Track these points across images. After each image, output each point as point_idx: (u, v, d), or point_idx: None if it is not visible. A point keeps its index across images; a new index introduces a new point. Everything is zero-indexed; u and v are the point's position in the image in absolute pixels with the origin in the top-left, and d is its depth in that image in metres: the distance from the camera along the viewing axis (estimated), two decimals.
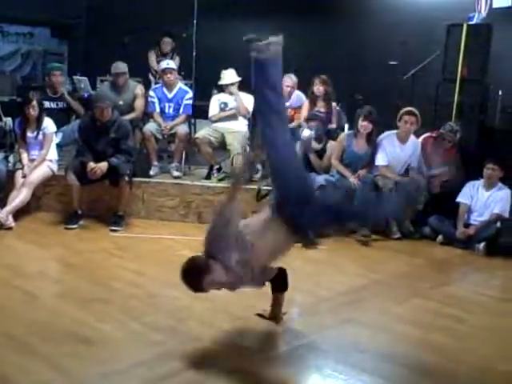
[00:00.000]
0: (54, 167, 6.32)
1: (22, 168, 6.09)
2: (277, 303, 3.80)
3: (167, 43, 8.13)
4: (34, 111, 6.07)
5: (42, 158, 6.19)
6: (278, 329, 3.81)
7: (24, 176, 6.03)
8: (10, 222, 5.81)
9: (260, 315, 3.87)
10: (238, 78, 6.93)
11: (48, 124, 6.24)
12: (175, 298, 4.19)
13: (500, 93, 7.06)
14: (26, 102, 6.08)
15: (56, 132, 6.42)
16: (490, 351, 3.65)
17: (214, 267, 3.20)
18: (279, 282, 3.70)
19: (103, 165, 5.90)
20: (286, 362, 3.40)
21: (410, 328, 3.91)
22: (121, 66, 7.09)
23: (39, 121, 6.16)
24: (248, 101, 6.97)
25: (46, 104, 6.73)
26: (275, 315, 3.82)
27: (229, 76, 6.93)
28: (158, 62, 8.01)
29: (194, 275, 3.23)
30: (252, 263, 3.24)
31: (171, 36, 8.13)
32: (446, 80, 6.81)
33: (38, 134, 6.19)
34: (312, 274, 4.99)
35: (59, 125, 6.63)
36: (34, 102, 6.08)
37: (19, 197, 5.92)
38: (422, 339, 3.76)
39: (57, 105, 7.00)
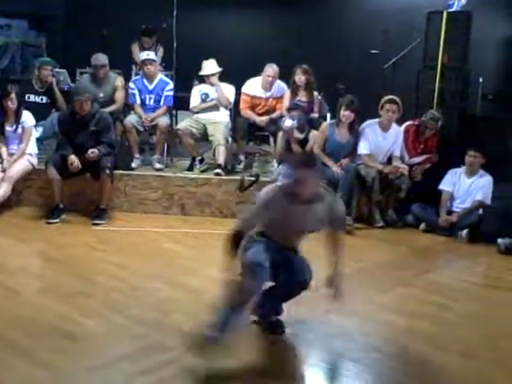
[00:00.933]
0: (34, 161, 6.25)
1: (1, 162, 6.02)
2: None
3: (146, 42, 8.06)
4: (12, 104, 6.00)
5: (22, 152, 6.11)
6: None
7: (3, 170, 5.97)
8: None
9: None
10: (219, 69, 6.89)
11: (27, 117, 6.16)
12: (159, 290, 4.18)
13: (480, 80, 7.10)
14: (4, 95, 6.00)
15: (36, 126, 6.35)
16: (475, 338, 3.68)
17: None
18: None
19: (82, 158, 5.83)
20: (270, 352, 3.40)
21: (394, 316, 3.93)
22: (101, 58, 7.01)
23: (18, 114, 6.08)
24: (229, 91, 6.95)
25: (32, 98, 6.66)
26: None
27: (209, 66, 6.89)
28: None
29: None
30: None
31: (150, 34, 8.05)
32: (427, 67, 6.84)
33: (16, 127, 6.11)
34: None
35: (42, 118, 6.57)
36: (13, 95, 6.00)
37: None
38: (407, 327, 3.78)
39: (41, 99, 6.93)
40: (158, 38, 8.09)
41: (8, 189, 5.93)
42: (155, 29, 8.07)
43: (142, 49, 8.00)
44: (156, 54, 7.67)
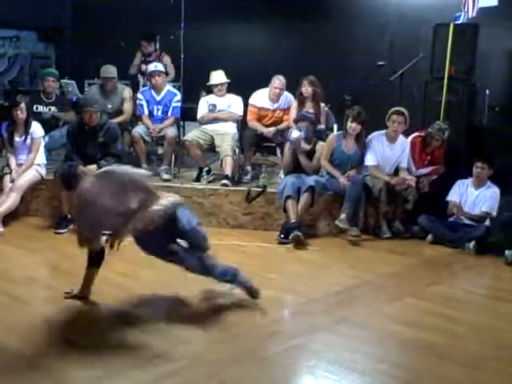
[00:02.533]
0: (43, 171, 6.30)
1: (10, 172, 6.07)
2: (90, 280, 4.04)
3: (145, 46, 8.14)
4: (21, 114, 6.06)
5: (30, 163, 6.16)
6: (269, 329, 3.81)
7: (12, 180, 6.01)
8: None
9: (69, 295, 4.08)
10: (227, 80, 6.93)
11: (36, 128, 6.22)
12: (166, 300, 4.19)
13: (487, 92, 7.10)
14: (14, 105, 6.06)
15: (44, 136, 6.40)
16: (481, 349, 3.67)
17: None
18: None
19: (92, 167, 5.87)
20: (277, 363, 3.40)
21: (401, 327, 3.92)
22: (111, 71, 7.09)
23: (27, 125, 6.15)
24: (238, 103, 6.99)
25: (40, 108, 6.72)
26: (85, 294, 4.05)
27: (217, 77, 6.94)
28: (143, 62, 8.04)
29: None
30: None
31: (149, 40, 8.12)
32: (434, 79, 6.84)
33: (25, 138, 6.17)
34: (303, 274, 5.00)
35: (50, 129, 6.62)
36: (22, 105, 6.07)
37: (8, 202, 5.89)
38: (413, 338, 3.77)
39: (49, 109, 6.99)
40: (160, 45, 8.17)
41: (17, 199, 5.97)
42: (155, 34, 8.15)
43: (142, 54, 8.08)
44: (161, 62, 7.76)
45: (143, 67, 8.05)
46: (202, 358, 3.38)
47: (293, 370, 3.35)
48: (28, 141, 6.18)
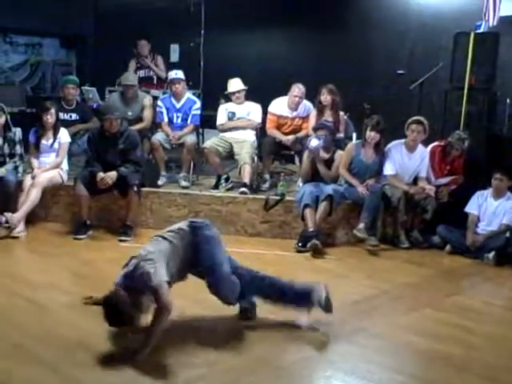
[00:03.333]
0: (64, 176, 6.40)
1: (32, 172, 6.16)
2: None
3: (143, 46, 8.22)
4: (51, 119, 6.20)
5: (56, 165, 6.29)
6: (286, 339, 3.81)
7: (33, 177, 6.09)
8: (21, 229, 5.87)
9: (89, 301, 4.06)
10: (244, 86, 6.96)
11: (63, 134, 6.34)
12: (185, 307, 4.19)
13: (508, 101, 7.05)
14: (44, 110, 6.20)
15: (70, 143, 6.50)
16: (499, 361, 3.63)
17: None
18: None
19: (113, 174, 5.93)
20: (294, 372, 3.39)
21: (418, 338, 3.90)
22: (131, 78, 7.17)
23: (55, 130, 6.25)
24: (257, 110, 7.01)
25: (60, 115, 6.82)
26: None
27: (234, 84, 6.98)
28: (139, 69, 8.17)
29: None
30: None
31: (146, 38, 8.22)
32: (454, 88, 6.82)
33: (53, 142, 6.29)
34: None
35: (72, 136, 6.70)
36: (52, 111, 6.23)
37: (29, 198, 5.98)
38: (431, 349, 3.75)
39: (70, 116, 7.09)
40: (152, 47, 8.31)
41: (37, 194, 6.04)
42: (150, 34, 8.25)
43: (140, 59, 8.18)
44: (156, 63, 7.95)
45: (141, 73, 8.13)
46: (218, 367, 3.39)
47: (309, 380, 3.34)
48: (56, 145, 6.29)
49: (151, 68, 8.25)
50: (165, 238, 3.74)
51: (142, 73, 8.17)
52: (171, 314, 3.48)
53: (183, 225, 3.84)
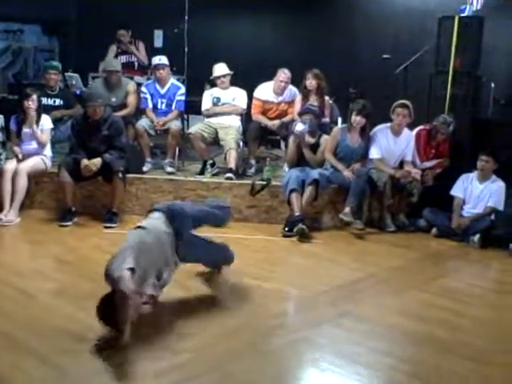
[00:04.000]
0: (48, 162, 6.33)
1: (16, 157, 6.14)
2: None
3: (123, 35, 8.14)
4: (33, 105, 6.11)
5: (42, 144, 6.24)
6: (273, 323, 3.81)
7: (19, 161, 6.08)
8: (14, 218, 5.86)
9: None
10: (230, 71, 6.92)
11: (45, 121, 6.26)
12: (169, 293, 4.17)
13: (492, 85, 7.08)
14: (26, 97, 6.11)
15: (52, 129, 6.44)
16: (486, 343, 3.66)
17: None
18: None
19: (97, 161, 5.88)
20: (281, 356, 3.40)
21: (405, 321, 3.92)
22: (115, 64, 7.10)
23: (37, 117, 6.17)
24: (242, 96, 6.98)
25: (44, 100, 6.75)
26: None
27: (219, 69, 6.93)
28: (120, 54, 8.11)
29: None
30: None
31: (125, 27, 8.14)
32: (439, 72, 6.82)
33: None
34: (307, 267, 5.00)
35: (55, 122, 6.64)
36: (34, 97, 6.13)
37: (18, 189, 5.94)
38: (418, 332, 3.77)
39: (54, 102, 7.02)
40: (133, 33, 8.23)
41: (24, 181, 6.01)
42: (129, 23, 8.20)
43: (121, 45, 8.11)
44: (137, 49, 7.87)
45: (122, 58, 8.05)
46: (206, 351, 3.38)
47: (297, 363, 3.34)
48: (37, 132, 6.21)
49: (133, 53, 8.16)
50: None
51: (123, 58, 8.07)
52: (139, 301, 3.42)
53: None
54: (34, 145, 6.26)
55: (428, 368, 3.30)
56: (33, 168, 6.15)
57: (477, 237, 5.74)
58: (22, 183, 5.99)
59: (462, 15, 6.73)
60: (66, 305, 3.95)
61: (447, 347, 3.55)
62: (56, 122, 6.70)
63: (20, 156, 6.15)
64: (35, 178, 6.27)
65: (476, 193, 5.98)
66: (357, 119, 6.11)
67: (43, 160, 6.26)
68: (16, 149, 6.20)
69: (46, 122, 6.30)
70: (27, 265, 4.88)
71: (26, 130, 6.20)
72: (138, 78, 7.80)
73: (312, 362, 3.33)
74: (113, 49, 8.14)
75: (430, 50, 6.98)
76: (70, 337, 3.47)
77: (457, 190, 6.07)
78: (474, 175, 6.05)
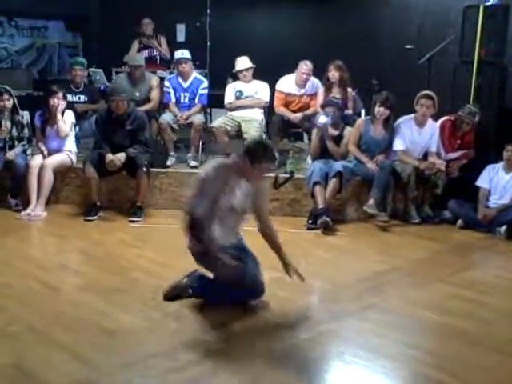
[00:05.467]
0: (73, 158, 6.40)
1: (42, 153, 6.21)
2: None
3: (147, 24, 8.16)
4: (58, 102, 6.16)
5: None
6: (298, 316, 3.82)
7: (44, 157, 6.17)
8: (41, 212, 5.95)
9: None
10: (252, 65, 6.92)
11: (68, 115, 6.31)
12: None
13: None
14: (52, 94, 6.16)
15: (76, 125, 6.49)
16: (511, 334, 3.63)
17: None
18: None
19: (121, 155, 5.93)
20: (306, 348, 3.40)
21: (430, 313, 3.90)
22: (138, 59, 7.14)
23: (62, 114, 6.23)
24: (264, 89, 6.97)
25: (69, 97, 6.82)
26: None
27: (242, 62, 6.94)
28: (143, 49, 8.09)
29: None
30: None
31: (150, 16, 8.16)
32: (464, 62, 6.74)
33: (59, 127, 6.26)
34: (332, 260, 4.99)
35: (79, 117, 6.69)
36: (60, 94, 6.20)
37: (43, 185, 6.02)
38: (443, 323, 3.75)
39: (79, 98, 7.08)
40: (156, 27, 8.27)
41: (50, 176, 6.10)
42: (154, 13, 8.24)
43: (143, 38, 8.13)
44: (159, 43, 7.96)
45: (144, 53, 8.08)
46: (228, 346, 3.41)
47: (322, 356, 3.35)
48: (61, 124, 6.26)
49: (155, 48, 8.19)
50: None
51: (145, 53, 8.12)
52: None
53: None
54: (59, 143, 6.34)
55: (453, 360, 3.28)
56: (59, 163, 6.23)
57: (503, 228, 5.68)
58: (48, 178, 6.07)
59: (487, 4, 6.64)
60: (92, 299, 3.99)
61: (472, 339, 3.53)
62: (80, 118, 6.76)
63: (45, 152, 6.22)
64: (61, 173, 6.34)
65: (502, 183, 5.91)
66: (380, 110, 6.06)
67: (69, 156, 6.34)
68: (41, 145, 6.28)
69: (69, 116, 6.35)
70: (53, 259, 4.94)
71: (50, 127, 6.27)
72: (160, 72, 7.85)
73: (337, 355, 3.33)
74: (135, 44, 8.18)
75: (454, 39, 6.89)
76: (97, 330, 3.51)
77: (482, 181, 6.00)
78: (500, 166, 5.97)
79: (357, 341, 3.50)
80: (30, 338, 3.41)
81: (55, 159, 6.20)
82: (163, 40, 8.27)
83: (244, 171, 3.74)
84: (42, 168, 6.08)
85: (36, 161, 6.13)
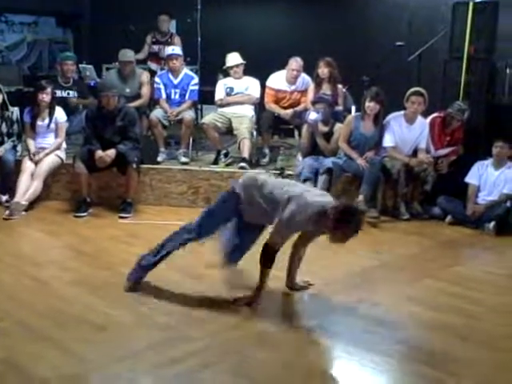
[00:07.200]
0: (63, 155, 6.39)
1: (29, 154, 6.15)
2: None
3: (164, 21, 8.11)
4: (47, 98, 6.14)
5: (57, 147, 6.29)
6: (287, 311, 3.83)
7: (35, 163, 6.09)
8: (21, 209, 5.88)
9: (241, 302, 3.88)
10: (242, 61, 6.92)
11: (59, 113, 6.30)
12: (184, 281, 4.22)
13: (508, 71, 7.00)
14: (40, 89, 6.14)
15: (65, 121, 6.48)
16: (501, 330, 3.65)
17: None
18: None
19: (111, 152, 5.93)
20: (295, 343, 3.42)
21: (420, 308, 3.93)
22: (128, 55, 7.11)
23: (51, 109, 6.21)
24: (255, 85, 6.97)
25: (58, 93, 6.80)
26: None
27: (232, 58, 6.94)
28: (154, 43, 8.05)
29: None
30: None
31: (168, 13, 8.12)
32: (453, 59, 6.75)
33: (49, 122, 6.24)
34: (321, 256, 4.99)
35: (69, 113, 6.67)
36: (48, 90, 6.17)
37: (31, 190, 5.98)
38: (432, 319, 3.77)
39: (68, 94, 7.05)
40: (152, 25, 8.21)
41: (39, 186, 6.06)
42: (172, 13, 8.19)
43: (158, 35, 8.09)
44: (172, 42, 7.90)
45: (154, 48, 8.06)
46: (221, 338, 3.43)
47: (311, 351, 3.36)
48: (52, 125, 6.27)
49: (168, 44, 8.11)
50: None
51: (155, 48, 8.10)
52: None
53: None
54: (49, 138, 6.31)
55: (442, 355, 3.31)
56: (49, 169, 6.21)
57: (492, 224, 5.71)
58: (37, 186, 6.04)
59: (477, 0, 6.66)
60: (83, 294, 4.00)
61: (462, 334, 3.55)
62: (70, 113, 6.74)
63: (33, 150, 6.17)
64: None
65: (491, 180, 5.95)
66: (370, 105, 6.08)
67: (58, 155, 6.30)
68: (30, 142, 6.24)
69: (60, 114, 6.33)
70: (44, 255, 4.93)
71: (39, 123, 6.25)
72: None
73: (326, 350, 3.35)
74: (148, 39, 8.14)
75: (443, 36, 6.91)
76: (86, 325, 3.52)
77: (472, 177, 6.03)
78: (489, 162, 6.01)
79: (347, 336, 3.52)
80: (19, 333, 3.41)
81: (47, 165, 6.17)
82: (177, 39, 8.14)
83: (325, 228, 3.61)
84: (33, 175, 6.05)
85: (30, 164, 6.11)
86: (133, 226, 5.69)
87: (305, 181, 5.87)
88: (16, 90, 8.19)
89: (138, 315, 3.68)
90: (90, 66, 7.96)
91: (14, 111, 6.31)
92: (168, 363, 3.11)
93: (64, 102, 6.78)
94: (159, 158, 6.72)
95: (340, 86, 6.76)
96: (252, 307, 3.80)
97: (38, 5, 9.95)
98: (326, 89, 6.63)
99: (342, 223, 3.45)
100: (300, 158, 6.48)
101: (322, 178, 5.89)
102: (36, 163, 6.13)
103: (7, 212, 5.75)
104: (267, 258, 3.74)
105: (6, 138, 6.22)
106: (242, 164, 6.39)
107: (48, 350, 3.22)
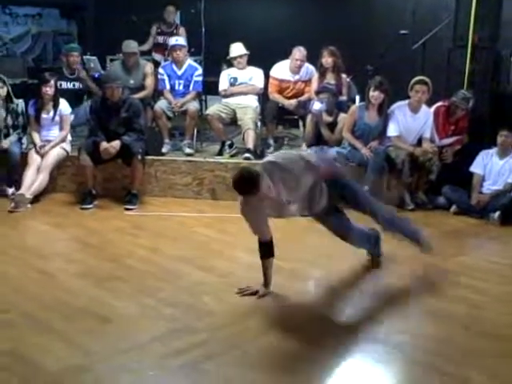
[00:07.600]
0: (68, 148, 6.41)
1: (35, 147, 6.17)
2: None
3: (170, 12, 8.10)
4: (50, 91, 6.15)
5: (62, 139, 6.31)
6: (291, 302, 3.85)
7: (42, 156, 6.12)
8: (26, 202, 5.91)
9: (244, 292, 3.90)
10: (246, 51, 6.91)
11: (63, 105, 6.32)
12: (189, 273, 4.25)
13: None
14: (44, 82, 6.16)
15: (70, 113, 6.49)
16: (505, 319, 3.67)
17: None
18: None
19: (116, 143, 5.94)
20: (299, 334, 3.44)
21: (424, 298, 3.94)
22: (132, 46, 7.10)
23: (55, 102, 6.23)
24: (259, 75, 6.96)
25: (63, 84, 6.80)
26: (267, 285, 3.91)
27: (236, 49, 6.92)
28: (159, 34, 8.03)
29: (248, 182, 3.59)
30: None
31: (174, 4, 8.11)
32: (457, 47, 6.72)
33: (54, 115, 6.26)
34: (325, 246, 5.00)
35: (74, 105, 6.69)
36: (52, 82, 6.17)
37: (37, 183, 6.01)
38: (437, 309, 3.78)
39: (73, 85, 7.07)
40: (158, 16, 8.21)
41: (45, 178, 6.09)
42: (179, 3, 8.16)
43: (164, 26, 8.10)
44: (177, 33, 7.89)
45: (159, 39, 8.05)
46: (225, 330, 3.44)
47: (314, 341, 3.38)
48: (57, 118, 6.28)
49: (172, 35, 8.10)
50: None
51: (160, 39, 8.10)
52: None
53: None
54: (53, 131, 6.33)
55: (446, 345, 3.32)
56: (55, 162, 6.24)
57: (497, 214, 5.70)
58: (43, 179, 6.07)
59: None
60: (89, 286, 4.03)
61: (466, 324, 3.57)
62: (75, 105, 6.75)
63: (38, 143, 6.19)
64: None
65: (496, 169, 5.93)
66: (374, 94, 6.06)
67: (64, 148, 6.33)
68: (35, 135, 6.26)
69: (65, 107, 6.35)
70: (50, 247, 4.97)
71: (44, 115, 6.27)
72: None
73: (333, 338, 3.36)
74: (153, 29, 8.14)
75: (447, 24, 6.87)
76: (93, 317, 3.55)
77: (476, 167, 6.02)
78: (493, 151, 5.99)
79: (350, 326, 3.53)
80: (25, 325, 3.45)
81: (53, 158, 6.19)
82: (182, 30, 8.14)
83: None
84: (39, 168, 6.09)
85: (37, 157, 6.14)
86: (138, 218, 5.72)
87: None
88: (21, 82, 8.20)
89: (143, 307, 3.71)
90: (94, 58, 7.95)
91: (19, 103, 6.32)
92: (173, 354, 3.13)
93: (70, 93, 6.79)
94: (164, 150, 6.73)
95: (344, 76, 6.74)
96: (257, 298, 3.82)
97: None
98: (330, 78, 6.62)
99: None
100: (304, 148, 6.47)
101: None
102: (42, 156, 6.15)
103: (12, 205, 5.78)
104: (260, 248, 3.86)
105: (11, 131, 6.24)
106: (247, 155, 6.39)
107: (54, 341, 3.25)
